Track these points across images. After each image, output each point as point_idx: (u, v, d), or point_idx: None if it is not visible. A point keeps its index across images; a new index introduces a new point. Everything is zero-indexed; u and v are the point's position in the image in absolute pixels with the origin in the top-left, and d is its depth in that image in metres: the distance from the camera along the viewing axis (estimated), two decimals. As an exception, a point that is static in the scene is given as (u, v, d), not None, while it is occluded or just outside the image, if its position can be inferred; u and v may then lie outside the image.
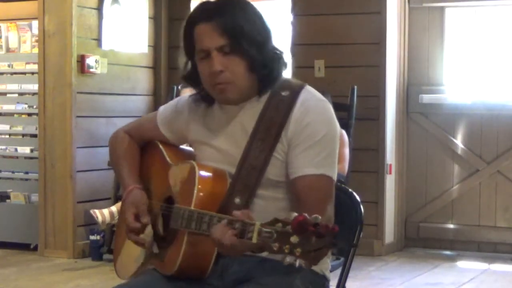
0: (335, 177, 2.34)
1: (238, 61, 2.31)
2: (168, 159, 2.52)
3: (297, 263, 1.91)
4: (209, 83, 2.35)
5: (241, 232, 2.04)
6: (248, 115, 2.37)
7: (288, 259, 1.92)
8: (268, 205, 2.32)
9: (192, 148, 2.53)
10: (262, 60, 2.32)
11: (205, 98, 2.45)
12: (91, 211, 5.92)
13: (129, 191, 2.49)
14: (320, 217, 1.91)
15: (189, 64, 2.41)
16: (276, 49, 2.38)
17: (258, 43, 2.31)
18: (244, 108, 2.39)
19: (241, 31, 2.29)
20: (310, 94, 2.37)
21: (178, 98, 2.59)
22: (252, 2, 2.39)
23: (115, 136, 2.66)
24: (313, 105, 2.34)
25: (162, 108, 2.61)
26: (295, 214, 1.93)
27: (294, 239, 1.91)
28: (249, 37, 2.29)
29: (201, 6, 2.38)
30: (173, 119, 2.54)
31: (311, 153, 2.30)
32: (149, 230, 2.44)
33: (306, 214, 1.92)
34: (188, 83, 2.47)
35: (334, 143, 2.34)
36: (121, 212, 2.58)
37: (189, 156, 2.51)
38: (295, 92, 2.36)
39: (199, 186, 2.30)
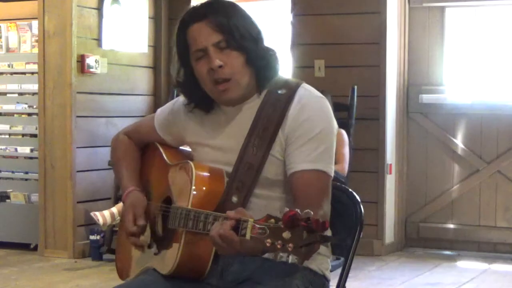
0: (331, 173, 2.33)
1: (236, 55, 2.32)
2: (166, 160, 2.52)
3: (289, 259, 1.91)
4: (209, 81, 2.34)
5: (235, 229, 2.04)
6: (246, 115, 2.38)
7: (281, 255, 1.92)
8: (265, 204, 2.32)
9: (190, 149, 2.53)
10: (259, 53, 2.34)
11: (199, 106, 2.45)
12: (92, 214, 5.91)
13: (128, 193, 2.50)
14: (312, 212, 1.92)
15: (182, 72, 2.41)
16: (269, 47, 2.39)
17: (253, 37, 2.33)
18: (242, 109, 2.39)
19: (235, 26, 2.31)
20: (306, 92, 2.38)
21: (174, 99, 2.58)
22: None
23: (116, 138, 2.69)
24: (310, 101, 2.35)
25: (159, 110, 2.62)
26: (287, 209, 1.94)
27: (286, 234, 1.92)
28: (242, 32, 2.31)
29: (191, 9, 2.40)
30: (170, 121, 2.54)
31: (307, 149, 2.30)
32: (147, 232, 2.45)
33: (298, 210, 1.93)
34: (181, 90, 2.46)
35: (331, 139, 2.35)
36: (122, 214, 2.59)
37: (187, 156, 2.51)
38: (292, 90, 2.37)
39: (196, 186, 2.30)
